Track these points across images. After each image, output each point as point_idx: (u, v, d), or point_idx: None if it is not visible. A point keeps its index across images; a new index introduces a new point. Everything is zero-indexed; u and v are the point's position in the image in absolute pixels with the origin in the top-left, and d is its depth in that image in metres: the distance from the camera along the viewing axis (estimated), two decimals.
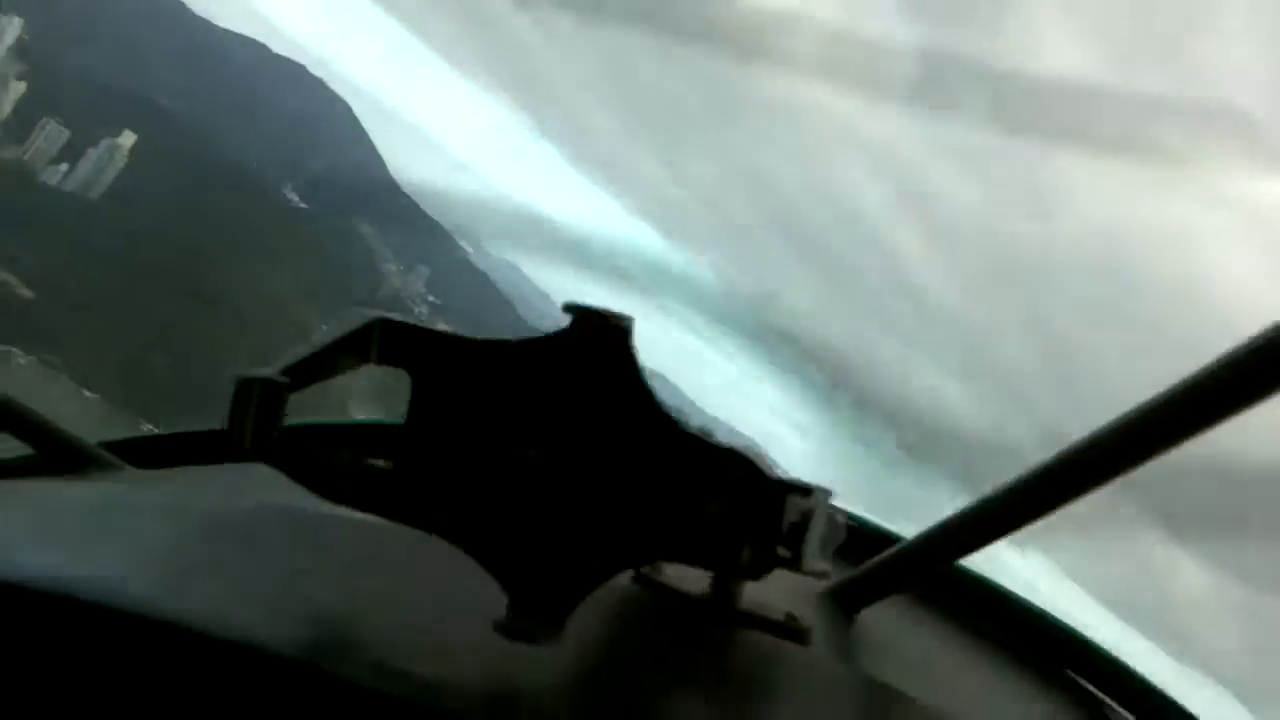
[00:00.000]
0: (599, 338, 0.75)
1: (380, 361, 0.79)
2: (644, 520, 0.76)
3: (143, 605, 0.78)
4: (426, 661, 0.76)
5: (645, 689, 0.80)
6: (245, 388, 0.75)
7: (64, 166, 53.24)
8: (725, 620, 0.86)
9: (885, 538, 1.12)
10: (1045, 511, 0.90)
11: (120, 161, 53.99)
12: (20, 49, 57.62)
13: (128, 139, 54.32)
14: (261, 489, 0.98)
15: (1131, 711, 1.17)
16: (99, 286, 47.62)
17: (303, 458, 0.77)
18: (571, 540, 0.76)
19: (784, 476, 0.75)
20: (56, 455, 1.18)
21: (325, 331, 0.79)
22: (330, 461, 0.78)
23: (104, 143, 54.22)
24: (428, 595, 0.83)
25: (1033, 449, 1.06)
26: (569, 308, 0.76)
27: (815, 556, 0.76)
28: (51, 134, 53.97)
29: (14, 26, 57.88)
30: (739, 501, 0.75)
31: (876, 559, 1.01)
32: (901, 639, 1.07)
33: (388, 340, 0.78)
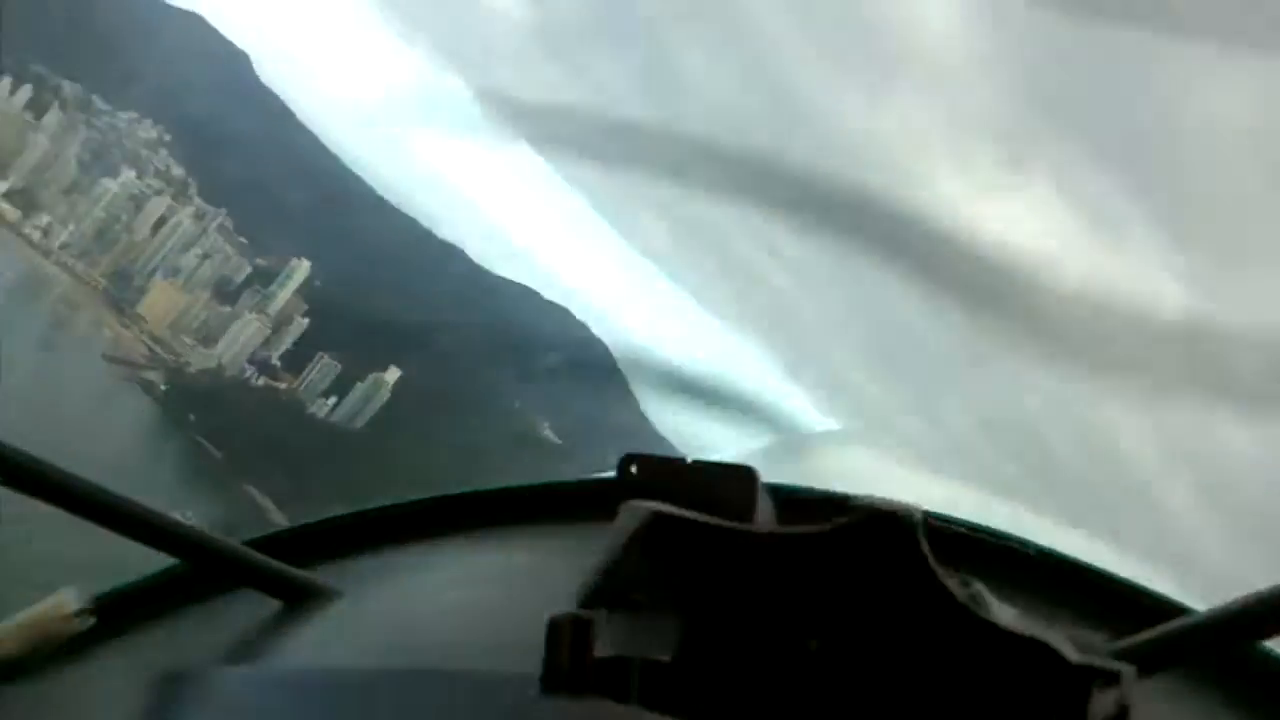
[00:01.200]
0: (888, 534, 0.72)
1: (654, 557, 0.76)
2: (939, 713, 0.71)
3: None
4: None
5: None
6: (556, 629, 0.72)
7: (332, 399, 54.91)
8: None
9: (1170, 607, 1.02)
10: None
11: (384, 396, 55.34)
12: (306, 289, 60.71)
13: (392, 374, 55.82)
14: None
15: None
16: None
17: (613, 679, 0.72)
18: None
19: (1088, 661, 0.68)
20: (269, 586, 1.23)
21: (609, 537, 0.77)
22: (626, 667, 0.73)
23: (371, 377, 55.82)
24: None
25: None
26: (854, 502, 0.74)
27: None
28: (324, 368, 56.02)
29: (302, 269, 61.25)
30: (1040, 692, 0.69)
31: (1166, 629, 0.95)
32: (1173, 710, 1.00)
33: (660, 534, 0.76)
